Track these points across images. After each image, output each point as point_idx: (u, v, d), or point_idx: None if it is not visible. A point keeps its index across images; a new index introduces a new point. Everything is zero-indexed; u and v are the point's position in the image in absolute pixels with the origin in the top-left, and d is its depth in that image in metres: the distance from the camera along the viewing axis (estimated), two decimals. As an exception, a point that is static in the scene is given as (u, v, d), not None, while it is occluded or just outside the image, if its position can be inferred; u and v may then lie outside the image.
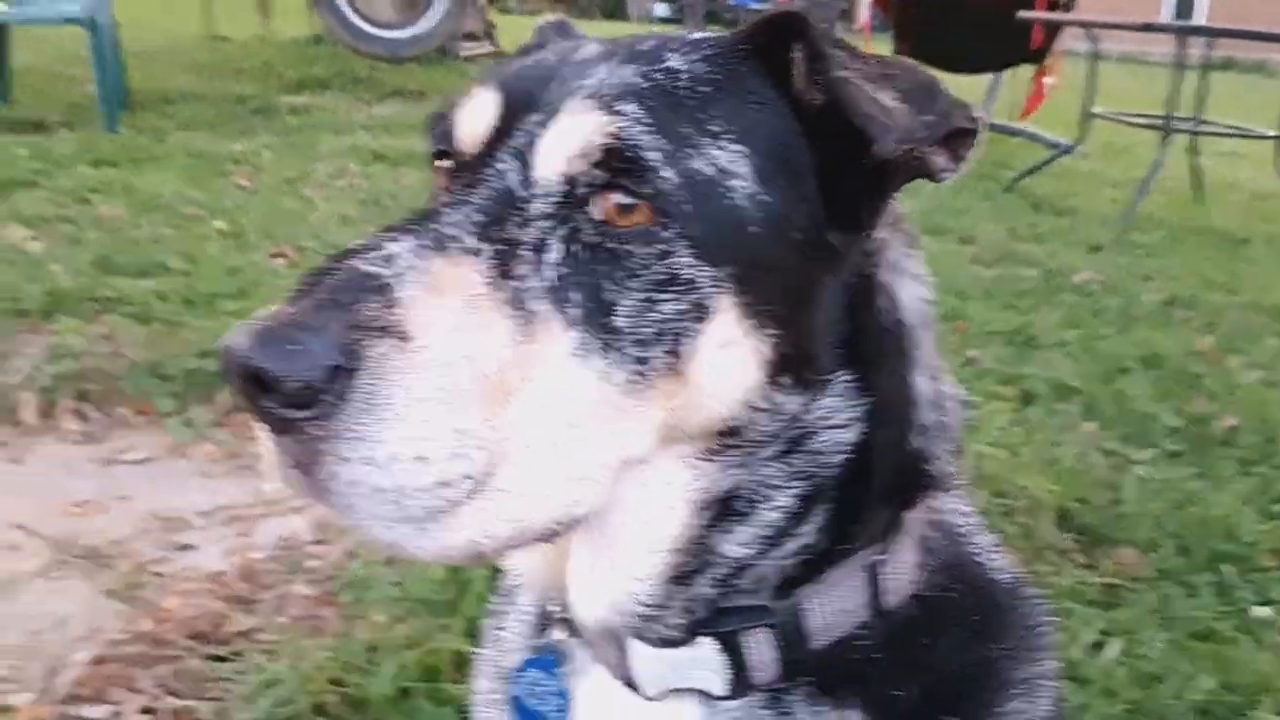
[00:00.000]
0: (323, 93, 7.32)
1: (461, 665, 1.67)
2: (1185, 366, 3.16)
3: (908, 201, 3.64)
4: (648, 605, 0.78)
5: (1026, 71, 7.43)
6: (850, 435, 0.77)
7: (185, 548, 2.12)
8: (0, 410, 2.53)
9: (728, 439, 0.75)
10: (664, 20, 31.43)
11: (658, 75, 0.73)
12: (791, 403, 0.75)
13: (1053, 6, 6.83)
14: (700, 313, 0.70)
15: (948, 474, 0.84)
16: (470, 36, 9.36)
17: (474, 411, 0.64)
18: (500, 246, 0.68)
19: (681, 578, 0.78)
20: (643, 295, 0.69)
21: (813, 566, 0.79)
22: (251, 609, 1.90)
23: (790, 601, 0.79)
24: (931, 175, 0.73)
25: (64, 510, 2.22)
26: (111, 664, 1.74)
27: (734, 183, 0.71)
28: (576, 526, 0.72)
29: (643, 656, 0.81)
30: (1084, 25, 5.89)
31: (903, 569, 0.82)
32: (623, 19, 35.75)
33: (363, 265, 0.64)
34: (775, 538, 0.77)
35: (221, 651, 1.77)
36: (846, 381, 0.77)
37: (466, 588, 1.82)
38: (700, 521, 0.77)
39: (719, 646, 0.79)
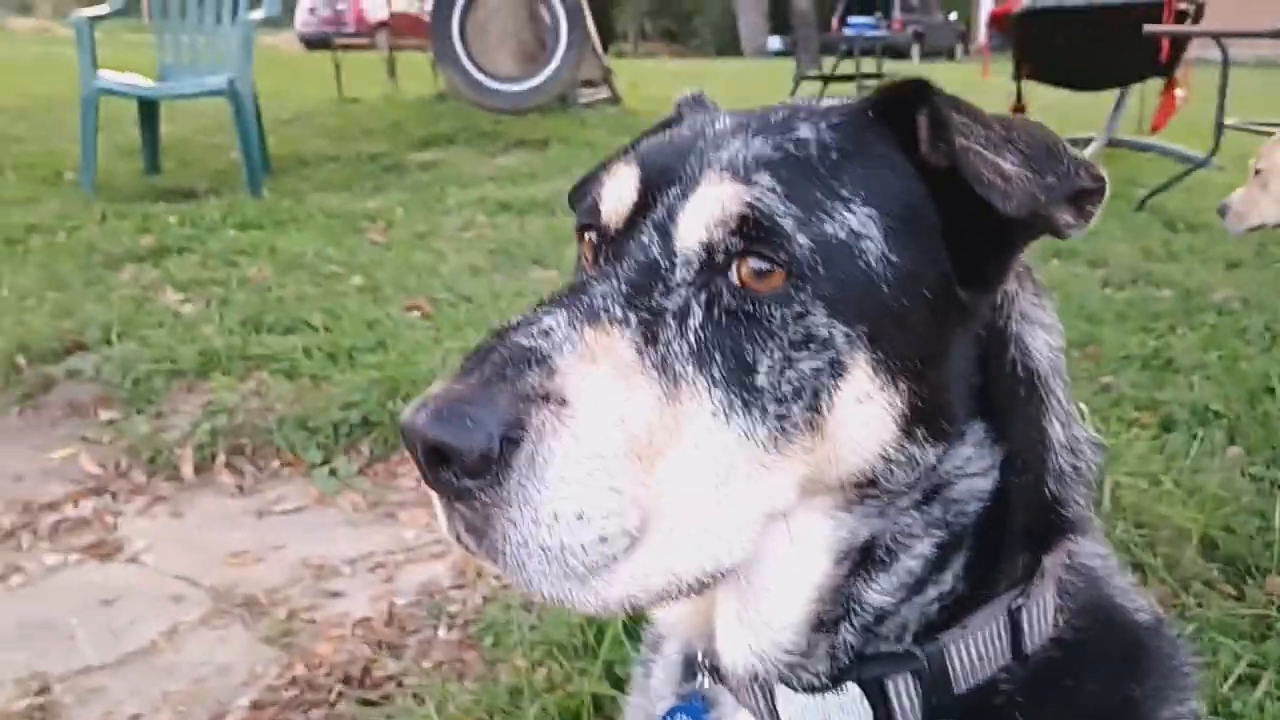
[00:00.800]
0: (449, 147, 7.56)
1: (600, 708, 1.71)
2: (1337, 385, 3.02)
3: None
4: (792, 652, 0.81)
5: (1154, 85, 7.22)
6: (987, 484, 0.79)
7: (334, 595, 2.22)
8: (162, 466, 2.70)
9: (866, 490, 0.77)
10: (777, 54, 31.45)
11: (789, 145, 0.78)
12: (926, 454, 0.77)
13: (1180, 18, 6.63)
14: (836, 370, 0.73)
15: (1084, 517, 0.85)
16: (588, 84, 9.56)
17: (628, 471, 0.69)
18: (646, 314, 0.73)
19: (825, 625, 0.80)
20: (781, 354, 0.73)
21: (954, 612, 0.80)
22: (398, 654, 1.98)
23: (933, 647, 0.80)
24: (1057, 233, 0.76)
25: (222, 560, 2.35)
26: (270, 708, 1.84)
27: (865, 244, 0.74)
28: (726, 578, 0.75)
29: (789, 702, 0.83)
30: (1213, 35, 5.70)
31: (1043, 613, 0.83)
32: (736, 54, 35.91)
33: (523, 340, 0.70)
34: (916, 585, 0.79)
35: (371, 695, 1.85)
36: (981, 431, 0.79)
37: (603, 632, 1.86)
38: (842, 570, 0.79)
39: (863, 693, 0.81)
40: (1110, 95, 7.69)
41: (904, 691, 0.80)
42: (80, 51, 5.65)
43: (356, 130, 8.06)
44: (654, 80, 9.44)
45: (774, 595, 0.80)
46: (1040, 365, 0.82)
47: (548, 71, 7.29)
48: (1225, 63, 5.20)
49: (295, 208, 5.24)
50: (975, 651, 0.80)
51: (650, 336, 0.72)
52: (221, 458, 2.72)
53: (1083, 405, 2.66)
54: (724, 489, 0.72)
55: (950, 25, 33.74)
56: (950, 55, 31.62)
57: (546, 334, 0.71)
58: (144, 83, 5.99)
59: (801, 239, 0.72)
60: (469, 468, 0.66)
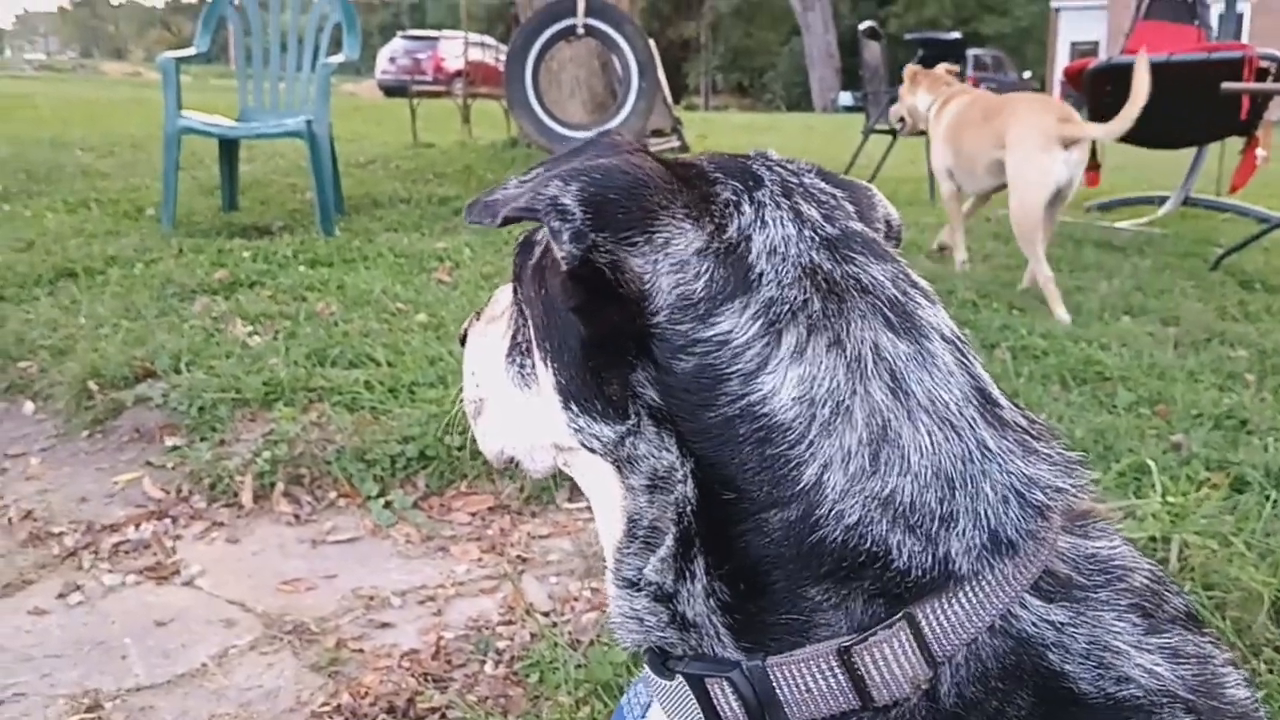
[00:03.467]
0: (518, 192, 7.66)
1: (642, 748, 1.68)
2: None
3: (1103, 283, 3.54)
4: (621, 612, 0.81)
5: (1234, 143, 7.09)
6: (684, 490, 0.75)
7: (384, 625, 2.22)
8: (222, 493, 2.74)
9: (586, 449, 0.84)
10: (849, 109, 31.51)
11: None
12: (599, 431, 0.79)
13: (1260, 75, 6.52)
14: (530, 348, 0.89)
15: (968, 574, 0.72)
16: (658, 133, 9.65)
17: (482, 369, 1.01)
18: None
19: (630, 585, 0.79)
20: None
21: (760, 632, 0.74)
22: (443, 686, 1.98)
23: (756, 664, 0.74)
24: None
25: (275, 588, 2.37)
26: (314, 735, 1.84)
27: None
28: (549, 470, 0.95)
29: (650, 681, 0.84)
30: (1294, 93, 5.60)
31: (891, 661, 0.72)
32: (808, 109, 36.04)
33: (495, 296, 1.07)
34: (677, 574, 0.76)
35: (414, 726, 1.84)
36: (658, 434, 0.76)
37: (647, 671, 1.83)
38: (628, 534, 0.79)
39: (689, 687, 0.78)
40: (1188, 153, 7.58)
41: (727, 699, 0.76)
42: (165, 91, 5.84)
43: (429, 173, 8.20)
44: (722, 131, 9.51)
45: (602, 537, 0.86)
46: (774, 406, 0.73)
47: (618, 120, 7.37)
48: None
49: (365, 246, 5.33)
50: (803, 683, 0.73)
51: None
52: (280, 486, 2.76)
53: (1150, 462, 2.61)
54: (514, 405, 0.92)
55: (1025, 83, 33.58)
56: (1024, 113, 31.37)
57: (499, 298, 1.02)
58: (224, 122, 6.16)
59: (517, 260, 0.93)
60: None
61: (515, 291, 0.91)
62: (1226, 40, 7.57)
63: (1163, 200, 7.50)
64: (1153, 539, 2.28)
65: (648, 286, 0.74)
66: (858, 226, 0.82)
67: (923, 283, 0.82)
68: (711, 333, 0.73)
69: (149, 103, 12.83)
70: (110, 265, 4.81)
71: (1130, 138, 7.33)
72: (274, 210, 6.55)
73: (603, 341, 0.76)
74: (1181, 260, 5.64)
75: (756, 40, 46.89)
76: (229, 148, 6.37)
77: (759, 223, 0.77)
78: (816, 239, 0.78)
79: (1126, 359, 3.70)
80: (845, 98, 34.17)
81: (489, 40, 21.65)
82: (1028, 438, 0.78)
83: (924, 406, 0.74)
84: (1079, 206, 7.68)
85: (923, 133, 5.92)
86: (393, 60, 30.36)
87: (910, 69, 5.77)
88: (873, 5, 46.43)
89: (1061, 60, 32.74)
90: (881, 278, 0.78)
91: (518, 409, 0.92)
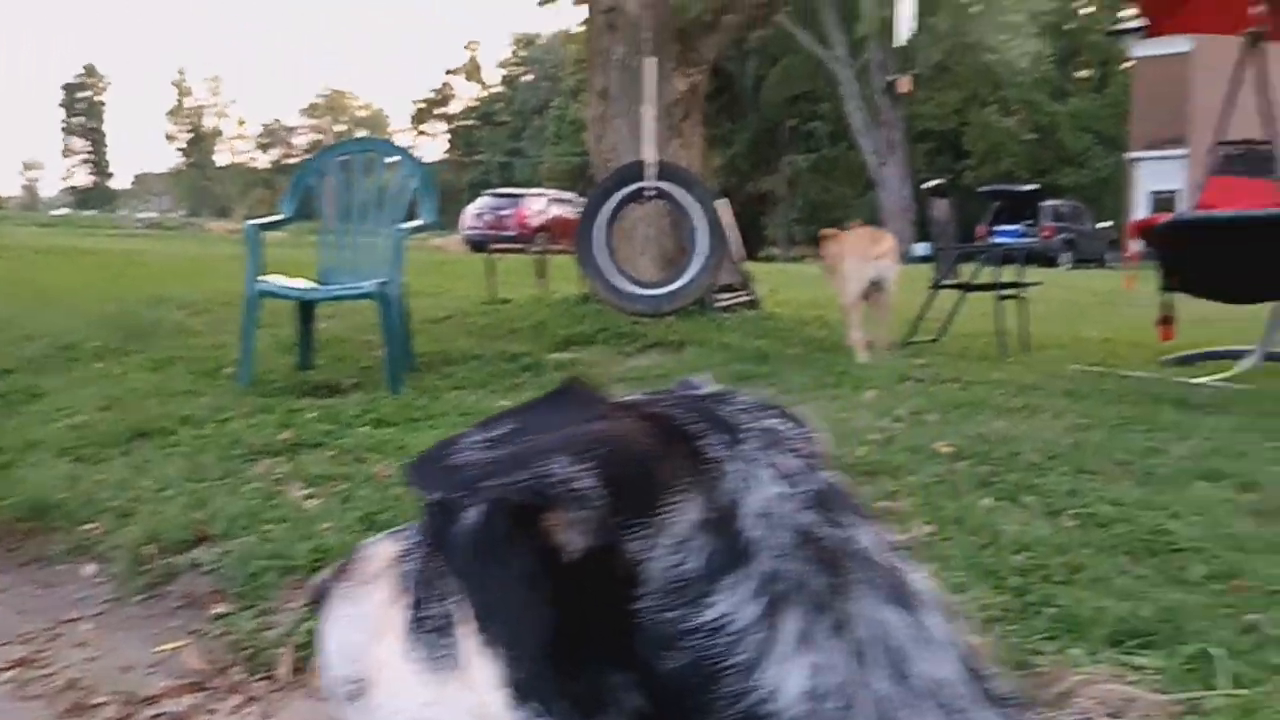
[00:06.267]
0: (588, 347, 7.76)
1: None
2: None
3: (1176, 445, 3.39)
4: None
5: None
6: None
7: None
8: (259, 666, 2.73)
9: None
10: (924, 259, 31.61)
11: None
12: None
13: (1336, 229, 6.41)
14: None
15: None
16: (728, 288, 9.76)
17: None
18: None
19: None
20: None
21: None
22: None
23: None
24: None
25: (304, 768, 2.33)
26: None
27: None
28: None
29: None
30: (1372, 249, 5.47)
31: None
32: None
33: None
34: None
35: None
36: None
37: None
38: None
39: None
40: (1267, 305, 7.42)
41: None
42: (249, 255, 6.11)
43: (503, 329, 8.37)
44: (794, 284, 9.59)
45: None
46: (781, 705, 0.66)
47: (686, 278, 7.49)
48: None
49: (431, 405, 5.42)
50: None
51: None
52: (317, 659, 2.73)
53: (1215, 651, 2.46)
54: (421, 695, 0.79)
55: (1102, 232, 33.49)
56: (1101, 263, 31.25)
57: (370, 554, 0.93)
58: (301, 285, 6.39)
59: None
60: None
61: (426, 558, 0.77)
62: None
63: (1242, 354, 7.31)
64: (1219, 736, 2.14)
65: (639, 570, 0.64)
66: (834, 478, 0.76)
67: (898, 541, 0.76)
68: (705, 619, 0.63)
69: (244, 260, 13.41)
70: (183, 425, 4.95)
71: (1205, 293, 7.24)
72: (348, 368, 6.71)
73: (573, 634, 0.66)
74: (1264, 419, 5.44)
75: (834, 194, 47.69)
76: (306, 307, 6.59)
77: (746, 482, 0.68)
78: (802, 497, 0.70)
79: (1201, 528, 3.54)
80: (921, 248, 34.38)
81: (570, 195, 22.34)
82: (1013, 710, 0.74)
83: (927, 690, 0.67)
84: (1154, 363, 7.53)
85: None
86: (479, 216, 31.48)
87: (824, 231, 8.07)
88: (949, 159, 47.06)
89: (1141, 209, 32.67)
90: (871, 542, 0.71)
91: (427, 700, 0.77)
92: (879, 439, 4.76)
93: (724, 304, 9.36)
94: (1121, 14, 31.85)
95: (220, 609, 3.05)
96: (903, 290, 8.89)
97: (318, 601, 0.89)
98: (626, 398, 0.78)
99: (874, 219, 38.43)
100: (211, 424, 4.97)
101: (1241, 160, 7.61)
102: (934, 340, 8.60)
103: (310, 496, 3.86)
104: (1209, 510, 3.75)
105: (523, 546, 0.66)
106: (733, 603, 0.63)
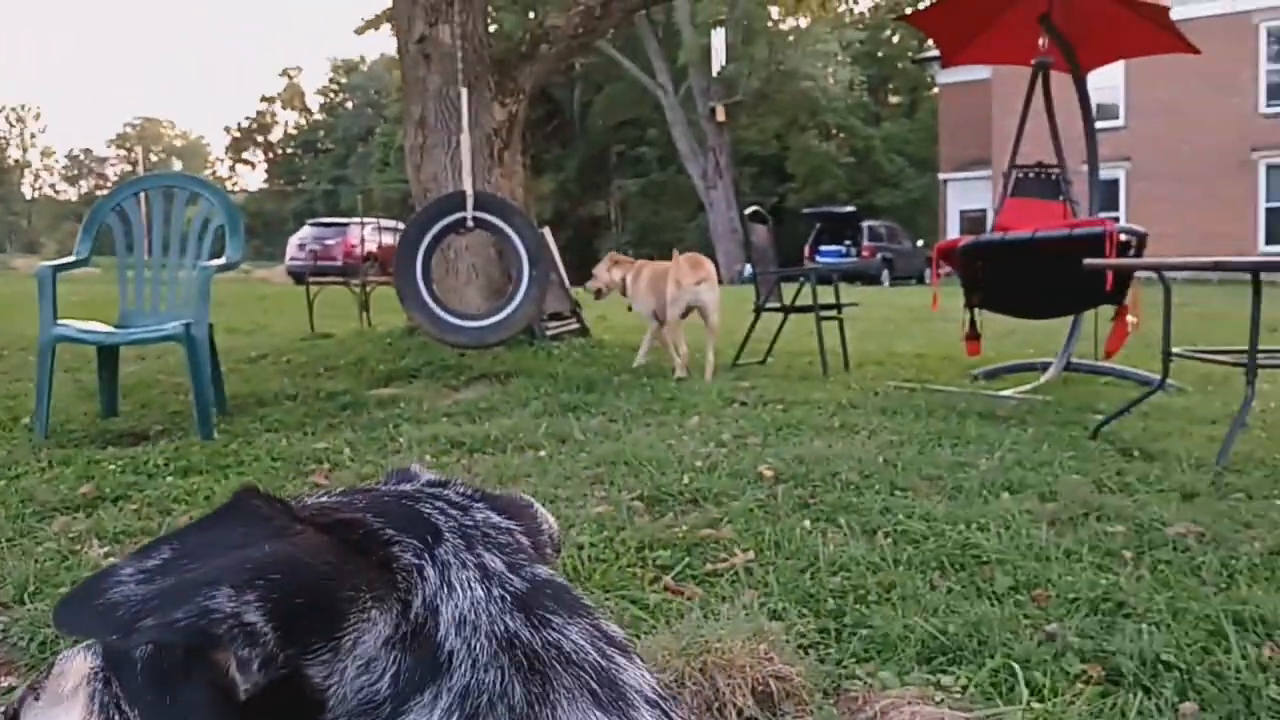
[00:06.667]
0: (410, 383, 7.60)
1: None
2: (1293, 628, 2.90)
3: (984, 459, 3.50)
4: None
5: (1108, 309, 7.35)
6: None
7: None
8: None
9: None
10: (752, 279, 32.38)
11: None
12: None
13: (1122, 249, 6.82)
14: None
15: None
16: (556, 316, 9.74)
17: None
18: None
19: None
20: None
21: None
22: None
23: None
24: None
25: None
26: None
27: None
28: None
29: None
30: (1153, 268, 5.85)
31: None
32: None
33: None
34: None
35: None
36: None
37: None
38: None
39: None
40: (1066, 319, 7.84)
41: None
42: (41, 300, 5.73)
43: (320, 366, 8.12)
44: (623, 310, 9.61)
45: None
46: None
47: (510, 308, 7.42)
48: (1168, 295, 5.29)
49: (243, 450, 5.18)
50: None
51: None
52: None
53: (1016, 665, 2.54)
54: None
55: (919, 251, 34.98)
56: (920, 280, 32.64)
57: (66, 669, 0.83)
58: (100, 329, 6.04)
59: None
60: None
61: (109, 682, 0.71)
62: (1093, 214, 7.95)
63: (1046, 366, 7.70)
64: (1020, 750, 2.20)
65: (325, 695, 0.61)
66: (544, 573, 0.72)
67: (616, 633, 0.72)
68: None
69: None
70: (-31, 483, 4.59)
71: (1004, 309, 7.61)
72: (154, 414, 6.38)
73: None
74: (1062, 429, 5.74)
75: (663, 217, 48.37)
76: (108, 352, 6.24)
77: (445, 589, 0.65)
78: (507, 599, 0.67)
79: (1004, 540, 3.68)
80: (749, 270, 35.24)
81: (397, 224, 21.95)
82: None
83: None
84: (963, 376, 7.86)
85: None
86: (302, 246, 30.50)
87: (610, 255, 8.93)
88: (772, 182, 48.42)
89: (952, 227, 34.31)
90: (582, 641, 0.68)
91: None
92: (703, 465, 4.80)
93: (554, 332, 9.34)
94: (928, 43, 33.46)
95: (10, 681, 2.82)
96: (734, 310, 9.04)
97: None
98: (312, 501, 0.72)
99: (705, 241, 39.14)
100: (2, 480, 4.62)
101: (1034, 182, 8.04)
102: (761, 362, 8.78)
103: (110, 555, 3.62)
104: (1012, 522, 3.90)
105: (197, 678, 0.61)
106: None
